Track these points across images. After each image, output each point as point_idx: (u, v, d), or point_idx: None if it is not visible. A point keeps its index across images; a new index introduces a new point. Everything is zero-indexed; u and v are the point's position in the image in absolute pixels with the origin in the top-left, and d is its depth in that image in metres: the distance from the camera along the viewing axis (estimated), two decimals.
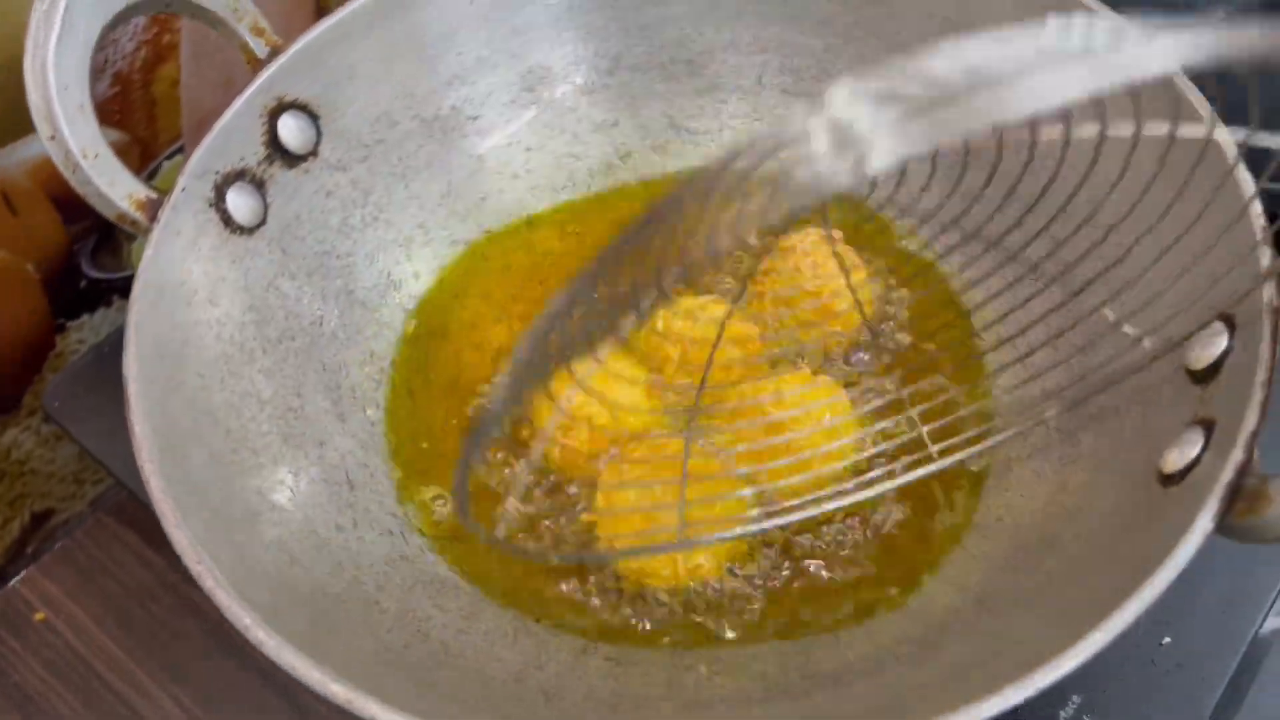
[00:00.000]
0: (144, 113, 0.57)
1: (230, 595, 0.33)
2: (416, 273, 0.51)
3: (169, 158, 0.59)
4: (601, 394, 0.39)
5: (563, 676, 0.39)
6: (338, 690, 0.31)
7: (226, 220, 0.44)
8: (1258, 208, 0.38)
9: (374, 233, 0.50)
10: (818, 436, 0.41)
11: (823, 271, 0.45)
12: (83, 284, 0.59)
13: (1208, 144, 0.36)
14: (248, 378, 0.43)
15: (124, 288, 0.61)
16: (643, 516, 0.39)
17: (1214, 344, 0.37)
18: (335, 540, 0.41)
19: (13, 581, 0.55)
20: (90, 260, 0.59)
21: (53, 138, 0.41)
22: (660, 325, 0.44)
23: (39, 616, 0.54)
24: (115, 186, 0.42)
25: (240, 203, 0.45)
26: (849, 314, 0.45)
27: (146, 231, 0.42)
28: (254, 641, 0.33)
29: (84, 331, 0.60)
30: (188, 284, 0.43)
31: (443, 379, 0.49)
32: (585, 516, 0.42)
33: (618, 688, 0.38)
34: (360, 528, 0.43)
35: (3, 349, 0.56)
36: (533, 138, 0.54)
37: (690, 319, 0.44)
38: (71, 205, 0.57)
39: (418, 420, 0.47)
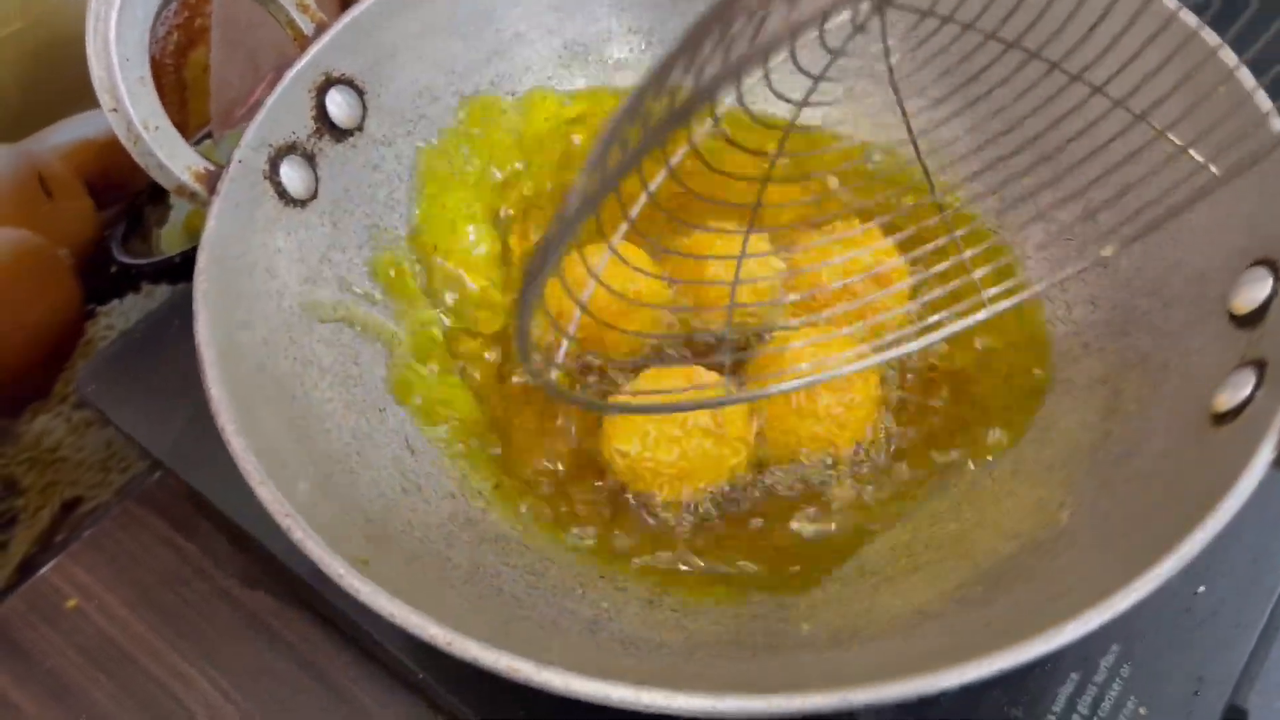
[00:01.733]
0: (176, 97, 0.57)
1: (320, 545, 0.34)
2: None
3: (197, 143, 0.59)
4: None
5: (635, 627, 0.40)
6: (437, 633, 0.32)
7: (281, 193, 0.45)
8: None
9: (418, 207, 0.50)
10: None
11: None
12: (113, 269, 0.59)
13: None
14: (308, 346, 0.44)
15: (153, 273, 0.61)
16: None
17: (1259, 288, 0.38)
18: (403, 502, 0.42)
19: (44, 569, 0.55)
20: (121, 246, 0.59)
21: (115, 110, 0.41)
22: None
23: (71, 604, 0.54)
24: (175, 158, 0.42)
25: (293, 175, 0.45)
26: None
27: (205, 203, 0.42)
28: (348, 589, 0.33)
29: (113, 317, 0.60)
30: (247, 255, 0.43)
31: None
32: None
33: (689, 636, 0.39)
34: (425, 491, 0.43)
35: (37, 334, 0.56)
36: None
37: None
38: (104, 190, 0.58)
39: None
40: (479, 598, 0.39)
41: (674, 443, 0.42)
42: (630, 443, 0.43)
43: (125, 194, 0.59)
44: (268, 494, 0.35)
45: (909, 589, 0.40)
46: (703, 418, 0.42)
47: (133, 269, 0.60)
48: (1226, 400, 0.36)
